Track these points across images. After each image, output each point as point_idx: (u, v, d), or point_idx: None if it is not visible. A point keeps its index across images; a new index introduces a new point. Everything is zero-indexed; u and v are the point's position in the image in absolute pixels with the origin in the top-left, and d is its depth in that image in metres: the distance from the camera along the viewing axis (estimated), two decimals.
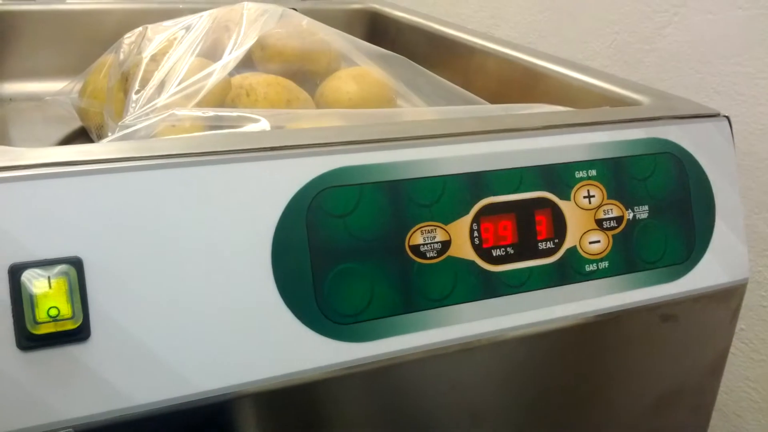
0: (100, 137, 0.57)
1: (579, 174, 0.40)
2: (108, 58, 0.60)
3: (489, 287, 0.38)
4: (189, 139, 0.34)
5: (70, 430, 0.29)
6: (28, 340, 0.28)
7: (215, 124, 0.41)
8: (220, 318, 0.32)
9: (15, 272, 0.29)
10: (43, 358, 0.29)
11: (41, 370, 0.29)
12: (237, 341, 0.32)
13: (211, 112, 0.41)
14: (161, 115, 0.40)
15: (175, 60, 0.50)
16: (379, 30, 0.75)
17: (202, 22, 0.54)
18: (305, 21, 0.55)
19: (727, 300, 0.45)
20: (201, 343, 0.31)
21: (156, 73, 0.50)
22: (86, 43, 0.69)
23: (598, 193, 0.41)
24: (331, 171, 0.35)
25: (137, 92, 0.49)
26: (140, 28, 0.57)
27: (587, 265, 0.40)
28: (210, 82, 0.46)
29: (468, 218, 0.37)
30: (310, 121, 0.42)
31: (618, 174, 0.41)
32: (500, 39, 0.61)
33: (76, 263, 0.29)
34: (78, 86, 0.61)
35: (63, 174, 0.30)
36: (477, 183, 0.38)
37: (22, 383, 0.29)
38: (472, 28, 0.66)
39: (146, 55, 0.52)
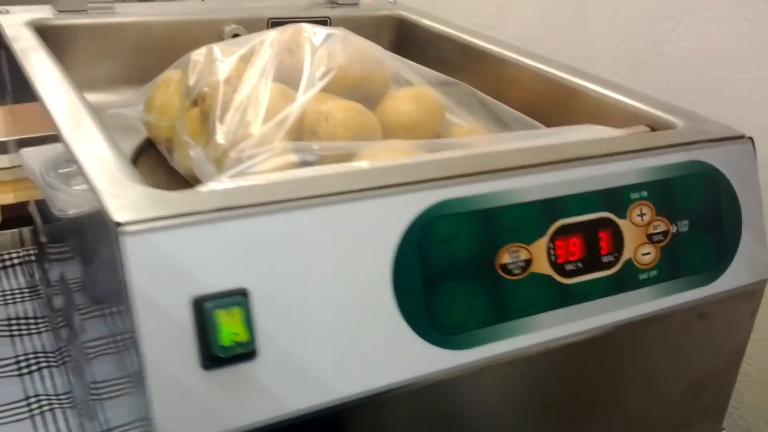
0: (170, 151, 0.61)
1: (633, 195, 0.47)
2: (173, 74, 0.64)
3: (563, 297, 0.44)
4: (320, 179, 0.39)
5: None
6: (212, 361, 0.34)
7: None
8: (356, 333, 0.38)
9: (198, 303, 0.34)
10: (222, 375, 0.34)
11: (220, 386, 0.34)
12: (368, 352, 0.38)
13: (315, 146, 0.47)
14: (275, 149, 0.45)
15: (251, 84, 0.55)
16: (407, 37, 0.80)
17: (266, 44, 0.59)
18: (362, 42, 0.60)
19: (750, 297, 0.52)
20: (340, 355, 0.37)
21: (235, 95, 0.55)
22: (135, 54, 0.73)
23: (648, 211, 0.47)
24: (436, 204, 0.40)
25: (221, 116, 0.54)
26: (205, 48, 0.61)
27: (640, 275, 0.47)
28: (296, 111, 0.51)
29: (545, 239, 0.43)
30: (400, 150, 0.48)
31: (664, 193, 0.48)
32: (534, 53, 0.67)
33: (245, 293, 0.35)
34: (141, 99, 0.65)
35: (230, 217, 0.35)
36: (552, 207, 0.44)
37: (205, 398, 0.34)
38: (504, 40, 0.71)
39: (222, 79, 0.57)
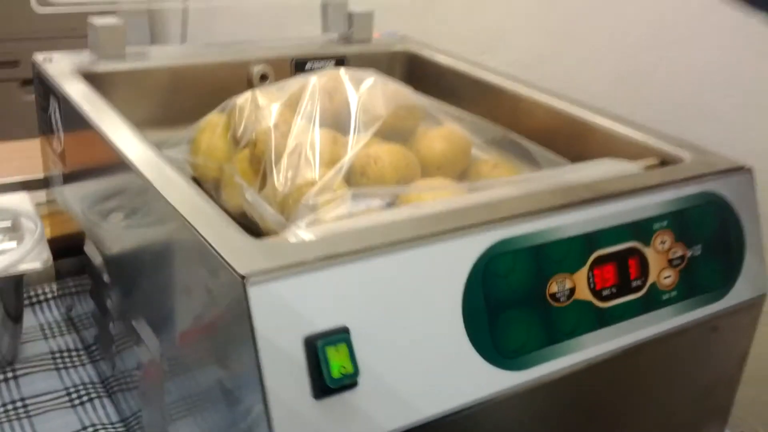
0: (217, 190, 0.66)
1: (656, 226, 0.53)
2: (216, 118, 0.69)
3: (602, 320, 0.50)
4: (396, 225, 0.45)
5: None
6: (322, 391, 0.39)
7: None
8: (435, 360, 0.43)
9: (309, 342, 0.39)
10: (331, 404, 0.40)
11: (330, 413, 0.40)
12: (445, 376, 0.44)
13: (370, 191, 0.52)
14: (341, 197, 0.51)
15: (300, 131, 0.60)
16: (418, 72, 0.85)
17: (308, 90, 0.64)
18: (395, 87, 0.65)
19: (753, 309, 0.59)
20: (424, 379, 0.43)
21: (286, 141, 0.60)
22: (168, 96, 0.77)
23: (668, 239, 0.54)
24: (495, 243, 0.46)
25: (275, 162, 0.59)
26: (249, 93, 0.66)
27: (663, 295, 0.53)
28: (349, 157, 0.56)
29: (585, 268, 0.49)
30: (444, 191, 0.53)
31: (681, 222, 0.54)
32: (547, 88, 0.73)
33: (348, 331, 0.40)
34: (184, 141, 0.69)
35: (331, 265, 0.41)
36: (590, 240, 0.50)
37: (317, 425, 0.39)
38: (514, 74, 0.77)
39: (272, 125, 0.62)
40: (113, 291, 0.61)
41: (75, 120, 0.64)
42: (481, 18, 1.17)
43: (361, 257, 0.42)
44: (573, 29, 1.02)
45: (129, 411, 0.67)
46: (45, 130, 0.74)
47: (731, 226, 0.57)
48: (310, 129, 0.61)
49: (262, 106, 0.65)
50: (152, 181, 0.49)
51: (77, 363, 0.77)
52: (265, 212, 0.56)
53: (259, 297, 0.38)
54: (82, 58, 0.75)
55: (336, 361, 0.39)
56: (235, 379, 0.41)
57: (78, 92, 0.65)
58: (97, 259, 0.63)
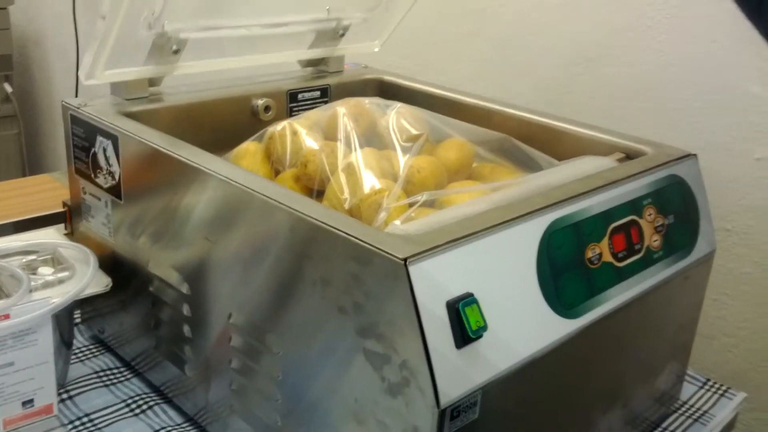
0: None
1: (644, 202, 0.69)
2: (251, 146, 0.79)
3: (620, 276, 0.65)
4: (485, 215, 0.58)
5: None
6: (464, 341, 0.52)
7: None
8: (522, 314, 0.57)
9: (450, 305, 0.52)
10: (467, 350, 0.52)
11: (467, 357, 0.52)
12: (530, 325, 0.57)
13: (425, 196, 0.65)
14: (412, 200, 0.63)
15: (345, 151, 0.72)
16: (389, 94, 0.98)
17: (340, 117, 0.76)
18: (411, 108, 0.78)
19: (708, 261, 0.77)
20: (517, 329, 0.56)
21: (334, 160, 0.72)
22: (185, 129, 0.86)
23: (653, 211, 0.70)
24: (552, 222, 0.60)
25: (329, 178, 0.70)
26: (285, 123, 0.77)
27: (654, 255, 0.69)
28: (403, 169, 0.69)
29: (606, 237, 0.65)
30: (478, 193, 0.67)
31: (659, 198, 0.71)
32: (514, 104, 0.88)
33: (473, 296, 0.53)
34: None
35: (453, 246, 0.53)
36: (607, 216, 0.65)
37: (459, 366, 0.52)
38: (480, 94, 0.92)
39: (318, 147, 0.73)
40: (191, 300, 0.70)
41: (141, 153, 0.72)
42: (424, 47, 1.32)
43: (469, 240, 0.55)
44: (505, 53, 1.19)
45: (195, 409, 0.75)
46: (83, 168, 0.80)
47: (689, 199, 0.75)
48: (353, 149, 0.73)
49: (301, 133, 0.76)
50: (268, 193, 0.60)
51: (122, 378, 0.84)
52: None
53: (416, 273, 0.50)
54: (110, 100, 0.82)
55: (472, 317, 0.52)
56: (388, 342, 0.53)
57: (138, 130, 0.73)
58: (172, 276, 0.72)
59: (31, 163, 2.59)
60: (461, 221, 0.57)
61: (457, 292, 0.52)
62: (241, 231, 0.64)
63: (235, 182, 0.63)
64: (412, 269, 0.50)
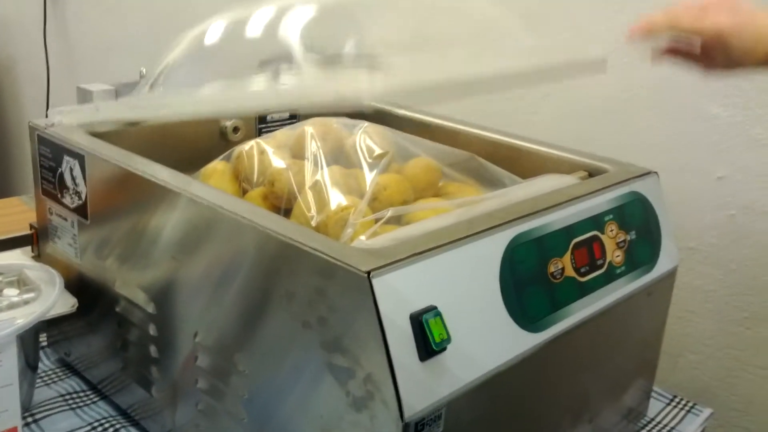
0: None
1: (606, 218, 0.70)
2: (219, 165, 0.80)
3: (582, 291, 0.66)
4: (446, 230, 0.59)
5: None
6: (428, 354, 0.52)
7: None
8: (485, 326, 0.57)
9: (414, 318, 0.52)
10: (431, 363, 0.53)
11: (431, 369, 0.53)
12: (494, 338, 0.58)
13: (390, 212, 0.66)
14: (376, 216, 0.64)
15: (312, 169, 0.73)
16: (357, 117, 0.99)
17: (308, 137, 0.77)
18: (377, 127, 0.79)
19: (670, 276, 0.78)
20: (480, 343, 0.57)
21: (301, 178, 0.72)
22: (155, 150, 0.86)
23: (615, 227, 0.71)
24: (515, 236, 0.61)
25: (296, 196, 0.71)
26: (253, 142, 0.78)
27: (617, 270, 0.71)
28: (370, 187, 0.70)
29: (569, 252, 0.66)
30: (443, 209, 0.68)
31: (621, 214, 0.72)
32: (480, 125, 0.90)
33: (437, 308, 0.53)
34: None
35: (416, 260, 0.54)
36: (569, 231, 0.66)
37: (423, 379, 0.52)
38: (447, 115, 0.93)
39: (285, 167, 0.74)
40: (157, 320, 0.70)
41: (108, 173, 0.72)
42: None
43: (433, 253, 0.55)
44: None
45: (162, 431, 0.74)
46: (50, 188, 0.80)
47: (650, 215, 0.76)
48: (320, 167, 0.73)
49: (268, 152, 0.77)
50: (237, 211, 0.60)
51: (89, 401, 0.83)
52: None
53: (380, 286, 0.51)
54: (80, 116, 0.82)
55: (436, 330, 0.52)
56: (352, 356, 0.53)
57: (105, 149, 0.73)
58: (138, 295, 0.72)
59: (1, 187, 2.57)
60: (426, 235, 0.58)
61: (420, 304, 0.53)
62: (208, 249, 0.64)
63: (203, 200, 0.63)
64: (376, 282, 0.51)
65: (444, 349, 0.53)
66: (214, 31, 0.68)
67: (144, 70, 0.87)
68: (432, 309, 0.53)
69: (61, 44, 2.19)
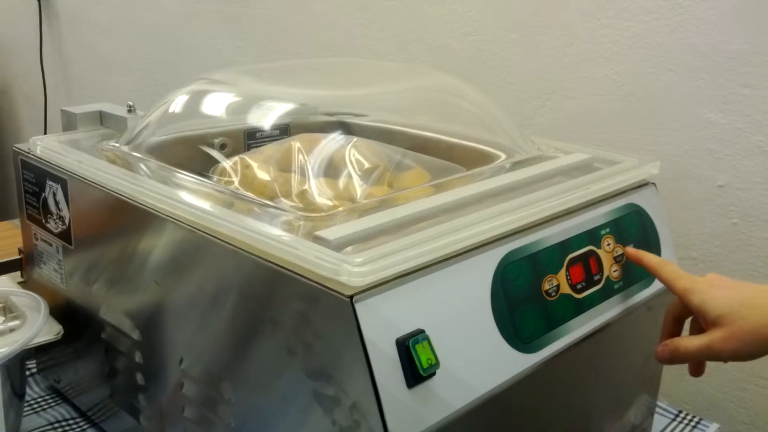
0: None
1: (602, 232, 0.68)
2: None
3: (579, 308, 0.64)
4: (435, 247, 0.57)
5: None
6: (416, 380, 0.50)
7: None
8: (476, 348, 0.55)
9: (400, 343, 0.50)
10: (419, 389, 0.51)
11: (419, 396, 0.50)
12: (486, 360, 0.56)
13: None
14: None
15: (300, 180, 0.71)
16: (349, 134, 0.98)
17: (295, 151, 0.75)
18: (365, 141, 0.78)
19: (668, 290, 0.76)
20: (471, 365, 0.55)
21: (291, 189, 0.70)
22: None
23: (611, 241, 0.69)
24: (506, 254, 0.59)
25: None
26: (237, 158, 0.76)
27: (614, 285, 0.68)
28: (360, 197, 0.68)
29: (564, 269, 0.64)
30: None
31: (617, 227, 0.70)
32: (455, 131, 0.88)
33: (425, 332, 0.51)
34: None
35: (402, 282, 0.52)
36: (564, 247, 0.64)
37: (410, 406, 0.50)
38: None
39: (270, 179, 0.72)
40: (143, 347, 0.68)
41: (89, 196, 0.70)
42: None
43: (420, 274, 0.53)
44: (472, 82, 1.19)
45: None
46: (34, 213, 0.79)
47: (649, 227, 0.74)
48: (307, 179, 0.71)
49: (252, 166, 0.75)
50: (218, 236, 0.58)
51: (78, 429, 0.81)
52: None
53: (363, 310, 0.49)
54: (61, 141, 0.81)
55: (423, 355, 0.50)
56: (338, 384, 0.51)
57: (89, 172, 0.71)
58: (123, 322, 0.70)
59: None
60: (408, 253, 0.56)
61: (407, 328, 0.51)
62: (191, 274, 0.62)
63: (184, 223, 0.61)
64: (359, 306, 0.49)
65: (433, 374, 0.51)
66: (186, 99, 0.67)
67: (131, 104, 0.85)
68: (419, 333, 0.51)
69: (57, 64, 2.18)
